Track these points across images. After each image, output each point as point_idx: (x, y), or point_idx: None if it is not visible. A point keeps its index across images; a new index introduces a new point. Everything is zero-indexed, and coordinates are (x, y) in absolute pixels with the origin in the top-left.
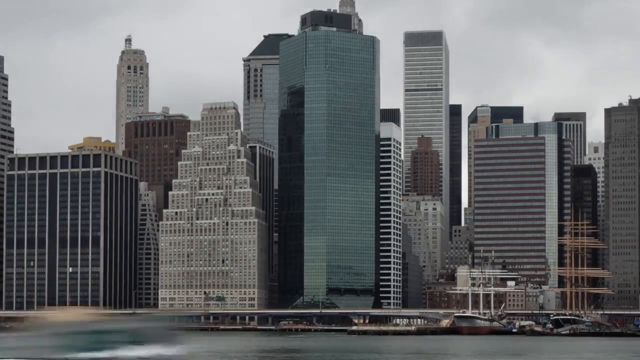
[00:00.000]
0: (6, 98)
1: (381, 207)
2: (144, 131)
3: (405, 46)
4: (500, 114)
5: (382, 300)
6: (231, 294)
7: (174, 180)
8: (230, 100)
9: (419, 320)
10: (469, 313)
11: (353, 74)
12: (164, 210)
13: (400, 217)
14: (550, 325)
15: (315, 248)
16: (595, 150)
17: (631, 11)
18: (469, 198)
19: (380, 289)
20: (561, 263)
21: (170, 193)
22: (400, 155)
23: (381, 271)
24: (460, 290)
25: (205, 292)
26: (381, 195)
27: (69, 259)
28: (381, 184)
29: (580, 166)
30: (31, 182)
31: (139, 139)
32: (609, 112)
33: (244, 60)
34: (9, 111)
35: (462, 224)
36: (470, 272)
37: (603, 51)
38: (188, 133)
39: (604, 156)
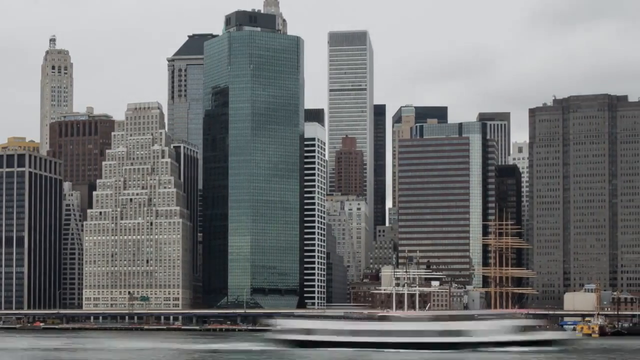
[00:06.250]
0: None
1: (305, 207)
2: (68, 131)
3: (330, 46)
4: (424, 113)
5: (306, 300)
6: (155, 294)
7: (98, 180)
8: (155, 100)
9: None
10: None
11: (277, 74)
12: (89, 210)
13: (324, 217)
14: None
15: (239, 248)
16: (520, 150)
17: None
18: (394, 198)
19: (305, 289)
20: (485, 263)
21: (94, 193)
22: (324, 155)
23: (305, 271)
24: (384, 290)
25: (129, 292)
26: (305, 195)
27: None
28: (305, 183)
29: (505, 166)
30: None
31: (63, 139)
32: (533, 112)
33: (169, 60)
34: None
35: (387, 224)
36: (394, 272)
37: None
38: (112, 133)
39: (528, 156)
